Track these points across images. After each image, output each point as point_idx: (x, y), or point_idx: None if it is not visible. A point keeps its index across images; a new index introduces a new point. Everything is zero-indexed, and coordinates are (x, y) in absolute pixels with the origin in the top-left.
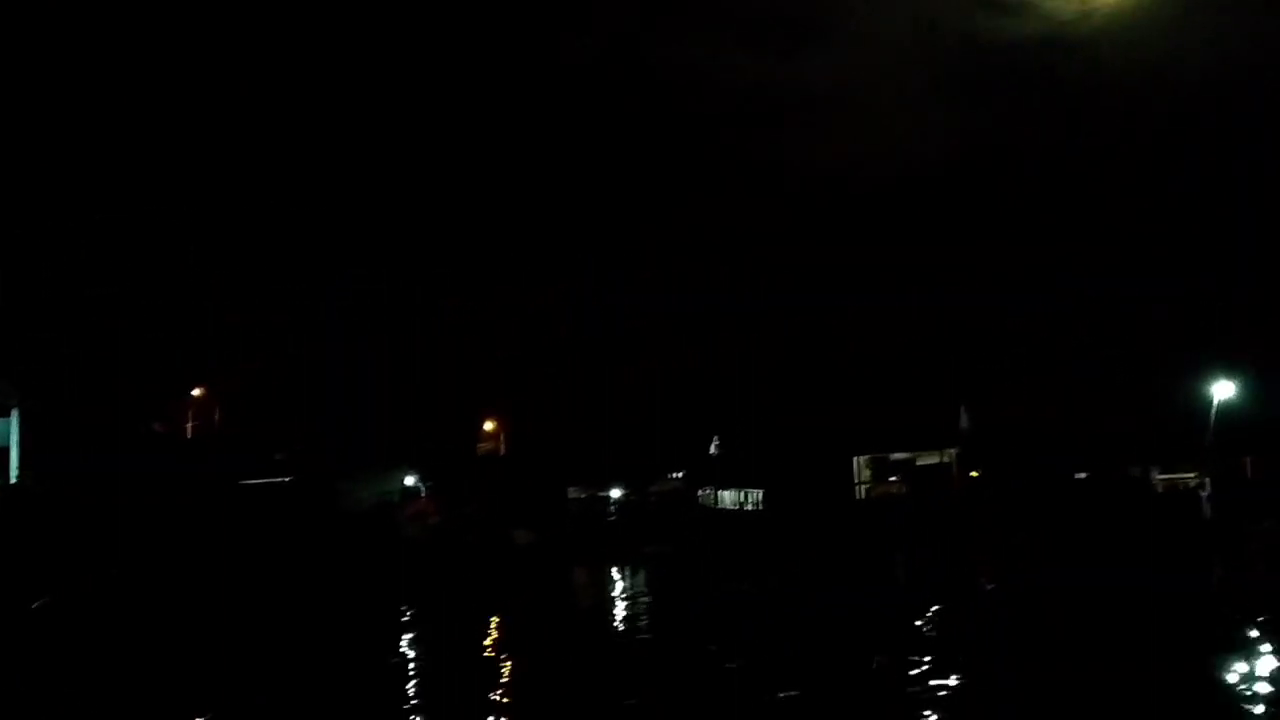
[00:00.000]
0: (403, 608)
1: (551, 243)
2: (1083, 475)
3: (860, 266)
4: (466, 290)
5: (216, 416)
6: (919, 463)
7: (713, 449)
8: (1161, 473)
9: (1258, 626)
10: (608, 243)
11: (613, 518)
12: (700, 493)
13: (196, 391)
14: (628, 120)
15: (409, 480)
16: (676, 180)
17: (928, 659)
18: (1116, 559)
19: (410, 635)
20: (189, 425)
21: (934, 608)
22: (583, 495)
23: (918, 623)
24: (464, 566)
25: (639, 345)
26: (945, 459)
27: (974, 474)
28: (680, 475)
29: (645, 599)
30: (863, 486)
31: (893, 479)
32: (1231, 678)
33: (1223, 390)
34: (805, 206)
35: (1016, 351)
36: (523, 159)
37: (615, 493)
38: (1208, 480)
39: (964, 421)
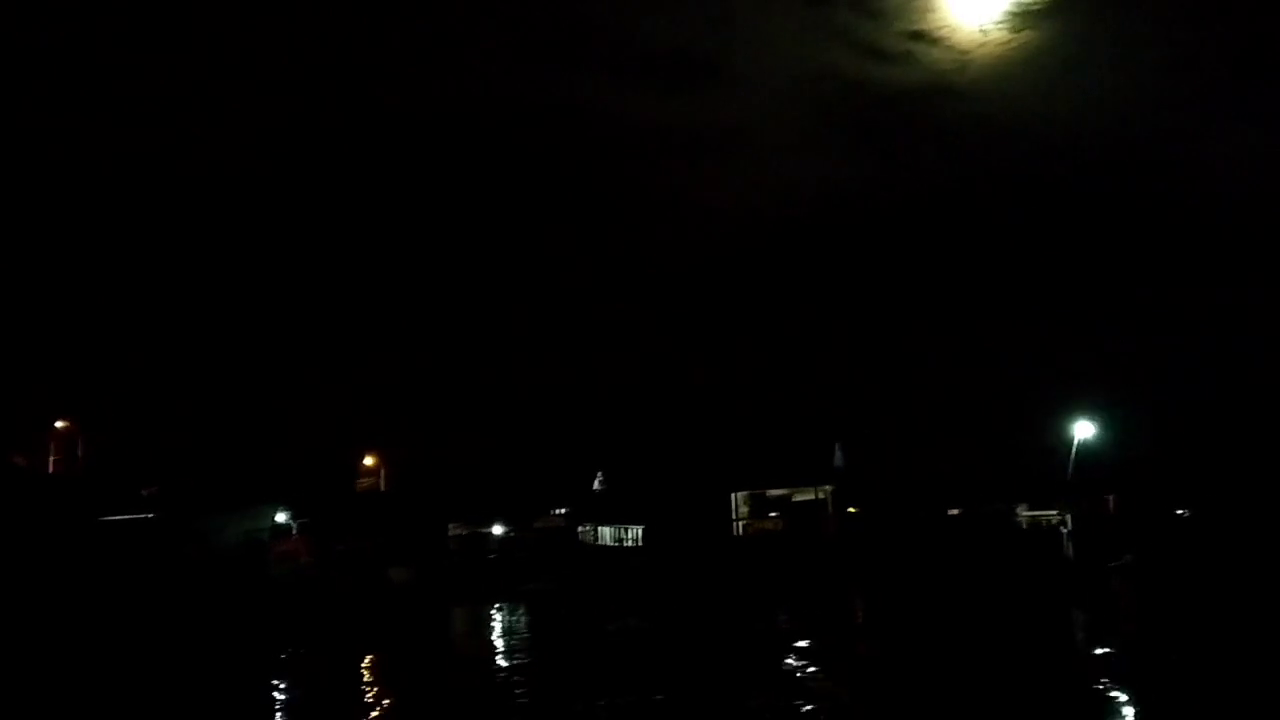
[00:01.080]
0: (269, 650)
1: (440, 271)
2: (955, 512)
3: (746, 304)
4: (348, 322)
5: (80, 450)
6: (795, 499)
7: (596, 485)
8: (1030, 509)
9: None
10: (497, 276)
11: (494, 555)
12: (580, 529)
13: (60, 424)
14: (516, 154)
15: (280, 518)
16: (568, 213)
17: (800, 701)
18: (984, 594)
19: (273, 679)
20: (51, 459)
21: (806, 643)
22: (464, 532)
23: (791, 661)
24: (335, 607)
25: (524, 379)
26: (820, 495)
27: (851, 510)
28: (564, 511)
29: (523, 637)
30: (740, 523)
31: (773, 514)
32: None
33: (1083, 430)
34: (697, 243)
35: (890, 389)
36: (414, 191)
37: (497, 529)
38: (1068, 517)
39: (838, 459)
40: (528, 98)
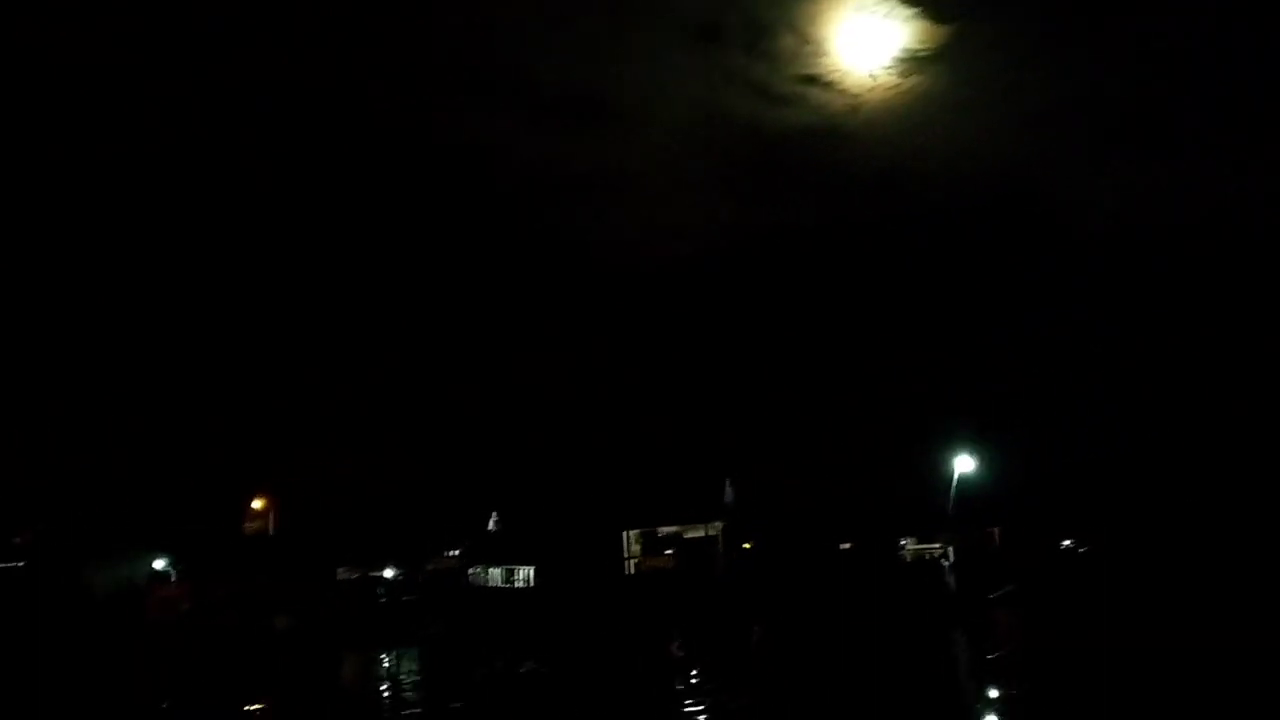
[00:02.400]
0: (145, 701)
1: (328, 311)
2: (847, 546)
3: (636, 342)
4: (234, 360)
5: None
6: (687, 536)
7: (491, 525)
8: (917, 543)
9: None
10: (390, 314)
11: (384, 598)
12: (471, 571)
13: None
14: (411, 192)
15: (158, 564)
16: (463, 252)
17: None
18: (873, 626)
19: None
20: None
21: (700, 679)
22: (354, 575)
23: (689, 704)
24: (216, 654)
25: (418, 418)
26: (711, 532)
27: (746, 545)
28: (457, 553)
29: (413, 683)
30: (632, 561)
31: (668, 551)
32: None
33: (963, 464)
34: (591, 281)
35: (781, 425)
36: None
37: (388, 572)
38: (950, 550)
39: (729, 495)
40: (424, 134)
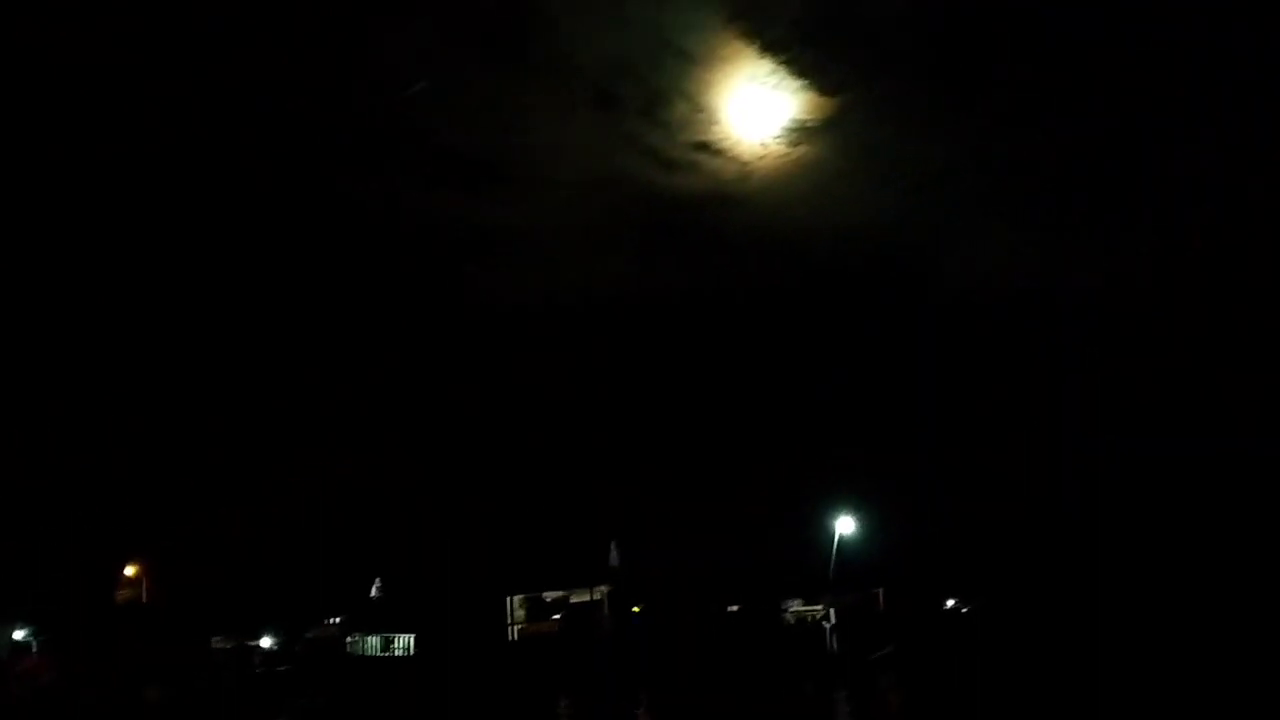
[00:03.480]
0: None
1: (203, 367)
2: (735, 608)
3: (523, 402)
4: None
5: None
6: (572, 600)
7: (374, 591)
8: (804, 604)
9: None
10: (273, 371)
11: (260, 669)
12: (349, 639)
13: None
14: (307, 248)
15: (18, 635)
16: (362, 315)
17: None
18: (751, 688)
19: None
20: None
21: None
22: (229, 645)
23: None
24: None
25: (299, 482)
26: (597, 596)
27: (635, 609)
28: (338, 620)
29: None
30: (516, 627)
31: (556, 616)
32: None
33: (844, 525)
34: (486, 340)
35: (666, 487)
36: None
37: (265, 641)
38: (831, 611)
39: (614, 558)
40: (322, 191)
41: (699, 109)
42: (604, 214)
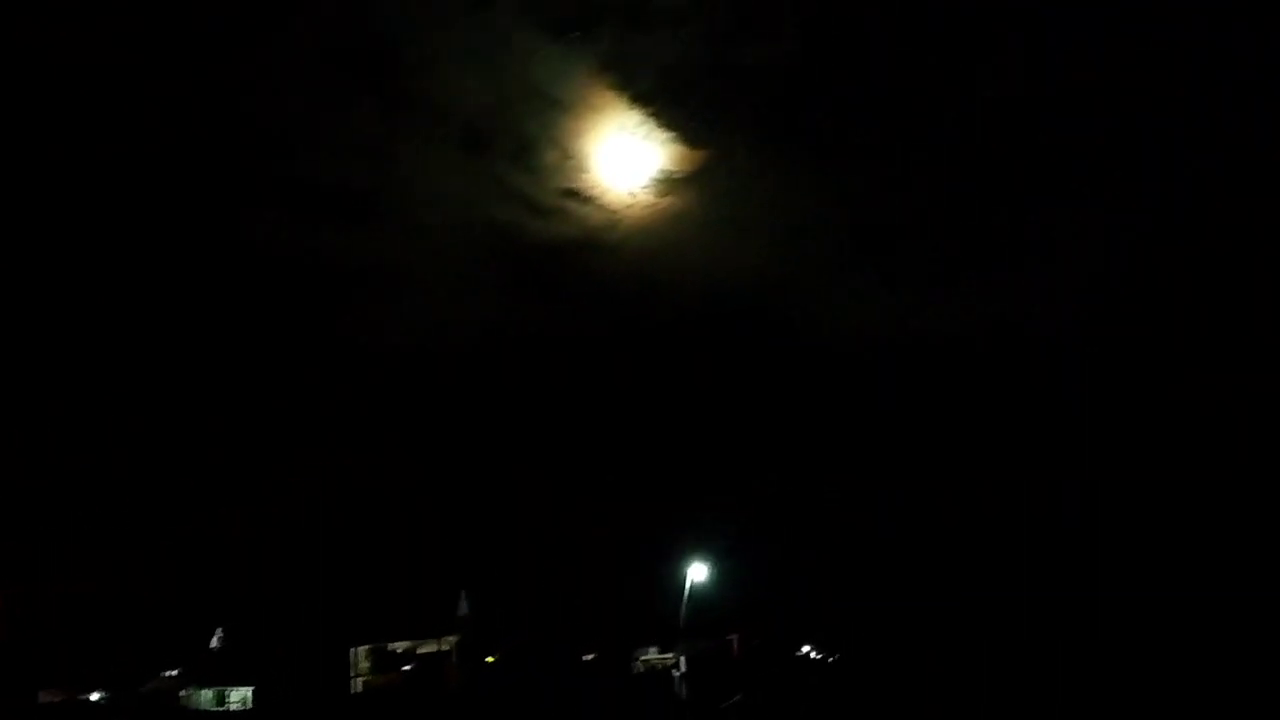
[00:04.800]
0: None
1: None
2: (590, 656)
3: (375, 445)
4: None
5: None
6: (420, 650)
7: (215, 642)
8: (659, 651)
9: None
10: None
11: None
12: (182, 693)
13: None
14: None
15: None
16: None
17: None
18: None
19: None
20: None
21: None
22: (56, 699)
23: None
24: None
25: (138, 528)
26: (444, 646)
27: (490, 659)
28: (177, 673)
29: None
30: (361, 679)
31: (407, 667)
32: None
33: (696, 573)
34: (345, 381)
35: (520, 535)
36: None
37: (95, 695)
38: (682, 659)
39: (463, 608)
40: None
41: (569, 156)
42: (473, 256)
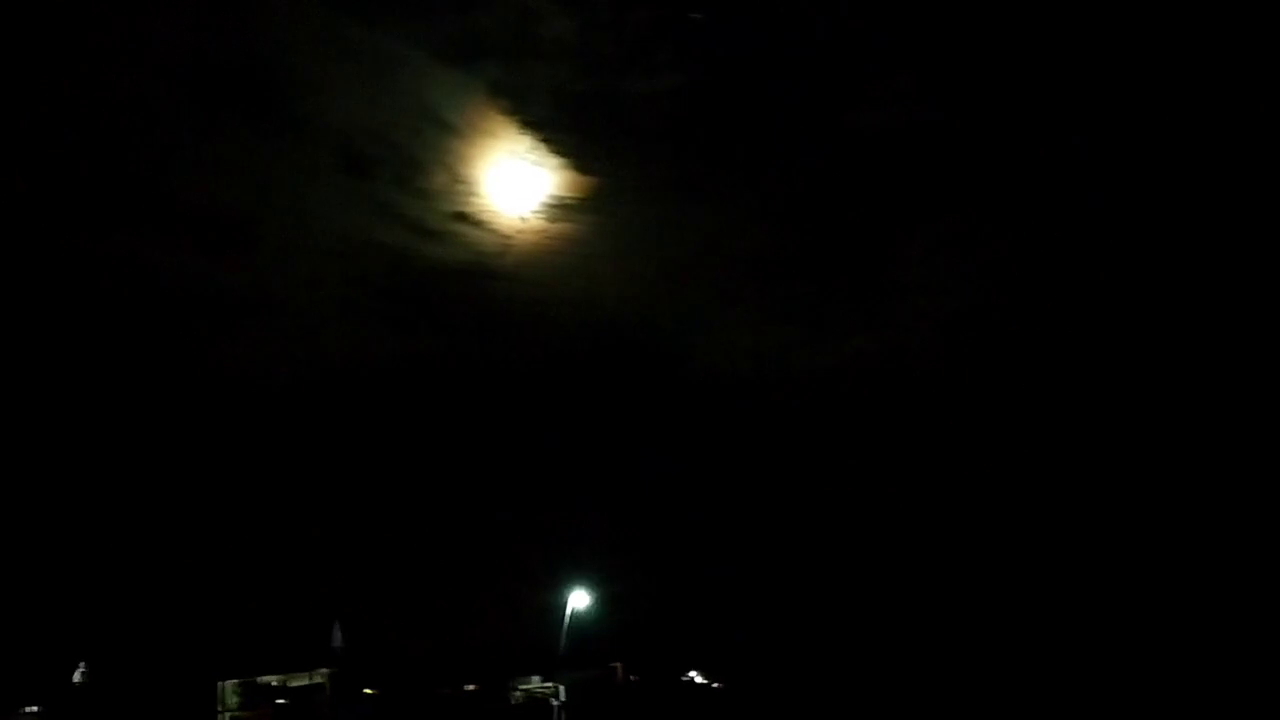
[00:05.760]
0: None
1: None
2: (472, 688)
3: (243, 472)
4: None
5: None
6: (292, 684)
7: (78, 677)
8: (542, 681)
9: None
10: None
11: None
12: None
13: None
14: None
15: None
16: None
17: None
18: None
19: None
20: None
21: None
22: None
23: None
24: None
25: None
26: (317, 679)
27: (368, 691)
28: (36, 710)
29: None
30: (229, 714)
31: (281, 701)
32: None
33: (578, 599)
34: (212, 412)
35: (393, 562)
36: None
37: None
38: (561, 689)
39: (337, 639)
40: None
41: (458, 180)
42: (358, 281)
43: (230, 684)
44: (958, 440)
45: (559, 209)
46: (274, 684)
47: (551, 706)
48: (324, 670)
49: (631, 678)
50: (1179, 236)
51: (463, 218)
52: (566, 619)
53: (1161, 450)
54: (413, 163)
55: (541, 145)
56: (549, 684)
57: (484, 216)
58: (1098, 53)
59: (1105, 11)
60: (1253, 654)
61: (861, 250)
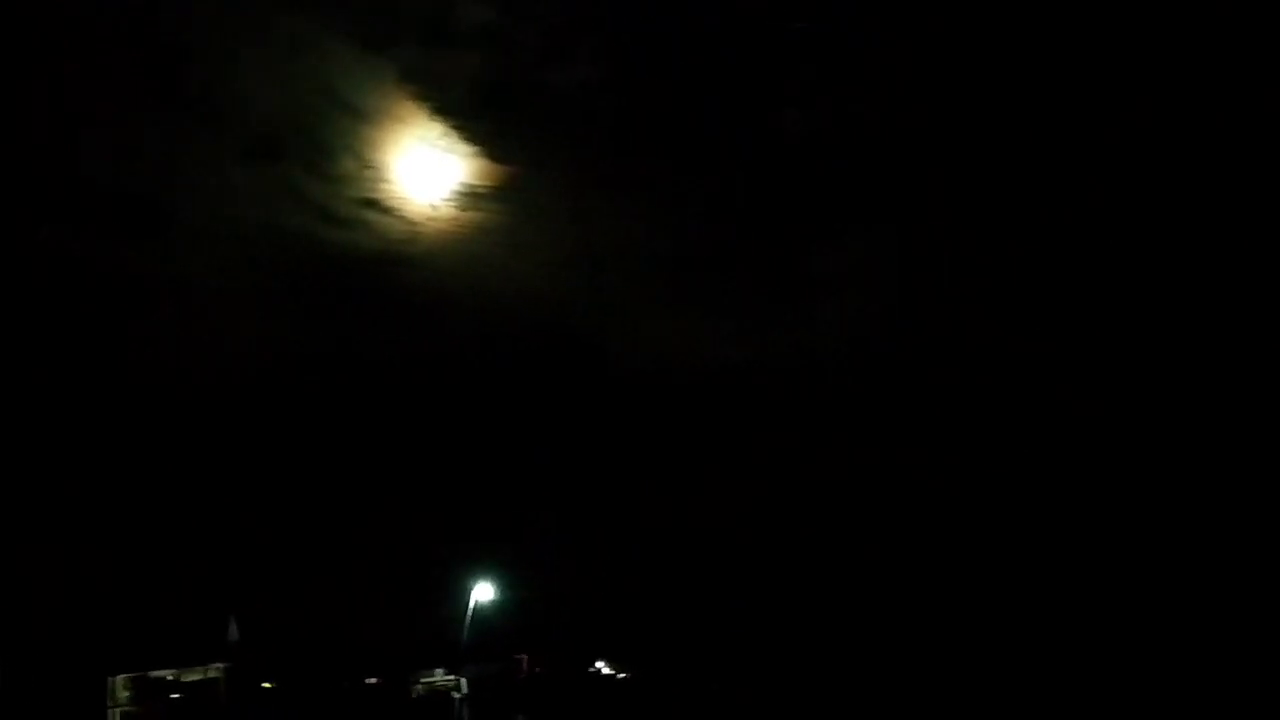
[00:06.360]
0: None
1: None
2: (373, 680)
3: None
4: None
5: None
6: (186, 679)
7: None
8: (446, 674)
9: None
10: None
11: None
12: None
13: None
14: None
15: None
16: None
17: None
18: None
19: None
20: None
21: None
22: None
23: None
24: None
25: None
26: (212, 674)
27: (266, 685)
28: None
29: None
30: (120, 710)
31: (175, 696)
32: None
33: (482, 592)
34: (122, 396)
35: (293, 556)
36: None
37: None
38: (463, 681)
39: (233, 633)
40: None
41: (367, 166)
42: (264, 267)
43: (121, 678)
44: (871, 438)
45: (471, 197)
46: (168, 678)
47: (453, 700)
48: (219, 664)
49: (537, 669)
50: (1107, 243)
51: (372, 204)
52: (470, 611)
53: (1076, 453)
54: (321, 148)
55: (454, 132)
56: (451, 677)
57: (393, 203)
58: (1033, 59)
59: (1041, 15)
60: (1218, 647)
61: (781, 248)
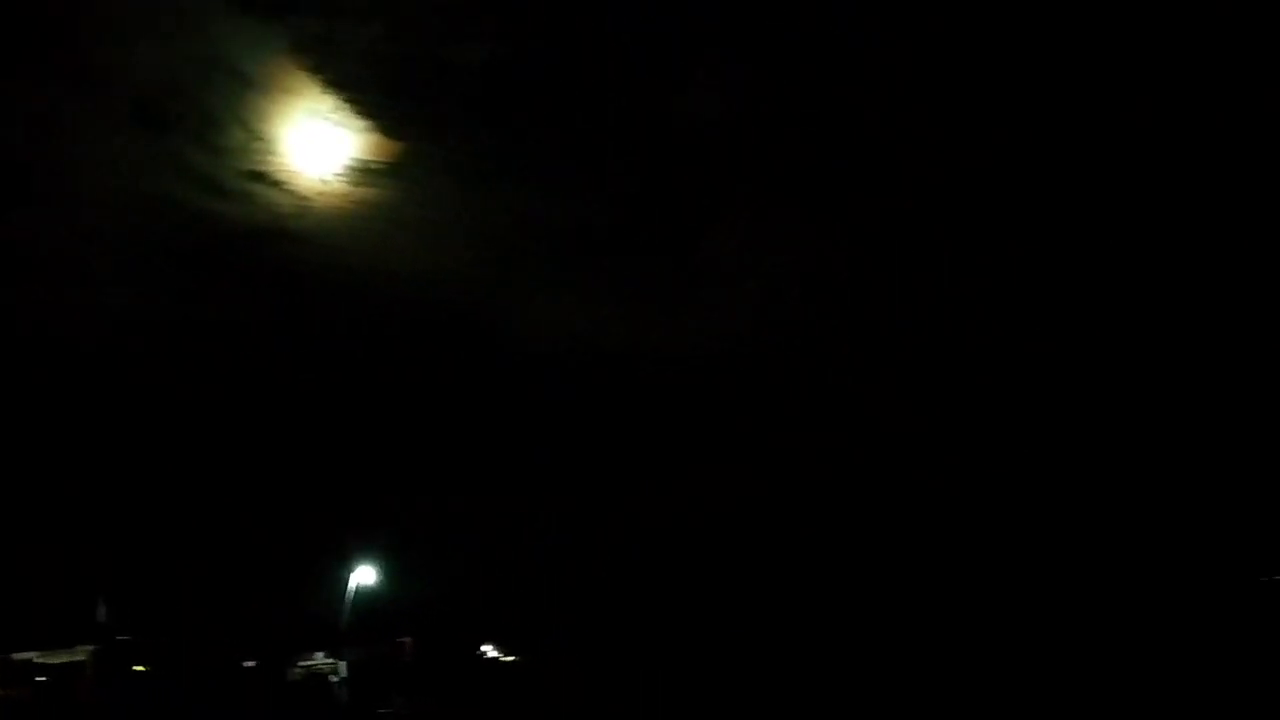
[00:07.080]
0: None
1: None
2: (251, 664)
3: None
4: None
5: None
6: (51, 661)
7: None
8: (327, 657)
9: None
10: None
11: None
12: None
13: None
14: None
15: None
16: None
17: None
18: None
19: None
20: None
21: None
22: None
23: None
24: None
25: None
26: (79, 656)
27: (139, 668)
28: None
29: None
30: None
31: (40, 679)
32: None
33: (363, 575)
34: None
35: (168, 538)
36: None
37: None
38: (342, 665)
39: (101, 614)
40: None
41: (256, 137)
42: (145, 238)
43: None
44: (765, 424)
45: (363, 173)
46: (34, 660)
47: (331, 683)
48: (87, 647)
49: (421, 652)
50: (1006, 234)
51: (259, 177)
52: (350, 595)
53: (986, 445)
54: (207, 117)
55: (346, 106)
56: (330, 660)
57: (282, 176)
58: (935, 49)
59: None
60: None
61: (676, 232)
